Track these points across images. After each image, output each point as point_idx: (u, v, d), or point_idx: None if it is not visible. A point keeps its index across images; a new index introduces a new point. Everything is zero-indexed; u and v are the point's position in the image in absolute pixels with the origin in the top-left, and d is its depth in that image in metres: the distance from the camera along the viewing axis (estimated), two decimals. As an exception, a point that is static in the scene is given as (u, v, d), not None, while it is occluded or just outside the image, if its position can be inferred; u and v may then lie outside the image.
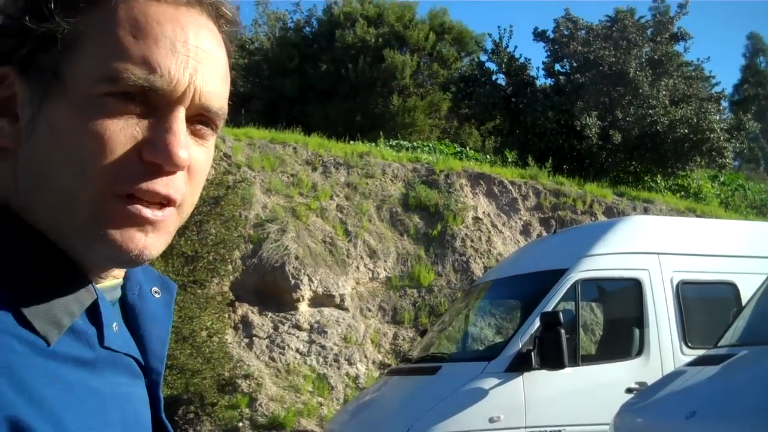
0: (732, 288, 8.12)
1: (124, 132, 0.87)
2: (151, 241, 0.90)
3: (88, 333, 0.91)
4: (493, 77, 22.61)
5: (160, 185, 0.89)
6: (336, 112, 23.14)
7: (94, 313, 0.93)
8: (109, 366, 0.93)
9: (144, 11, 0.89)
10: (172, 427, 1.05)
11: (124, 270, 1.00)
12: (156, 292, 1.06)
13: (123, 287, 1.01)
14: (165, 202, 0.91)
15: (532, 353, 7.18)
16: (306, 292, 11.44)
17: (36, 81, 0.87)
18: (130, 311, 1.01)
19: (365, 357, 11.25)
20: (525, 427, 7.09)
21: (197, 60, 0.91)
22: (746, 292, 7.50)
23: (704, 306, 8.25)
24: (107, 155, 0.86)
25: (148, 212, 0.89)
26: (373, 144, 17.58)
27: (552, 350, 7.08)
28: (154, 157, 0.88)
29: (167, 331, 1.06)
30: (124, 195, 0.88)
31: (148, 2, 0.89)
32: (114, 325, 0.96)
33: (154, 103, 0.89)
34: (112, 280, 0.98)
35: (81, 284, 0.91)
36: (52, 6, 0.87)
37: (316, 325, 11.29)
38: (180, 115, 0.90)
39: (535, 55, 62.01)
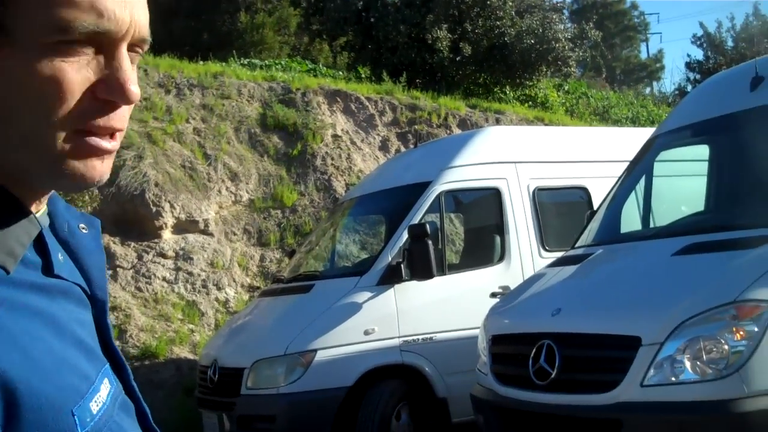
0: (584, 192, 8.59)
1: (79, 74, 0.92)
2: (106, 167, 0.98)
3: (36, 263, 0.96)
4: (344, -8, 22.39)
5: (115, 120, 0.96)
6: (181, 31, 22.34)
7: (38, 244, 0.97)
8: (62, 294, 0.98)
9: None
10: None
11: (47, 199, 1.04)
12: (83, 228, 1.10)
13: (52, 226, 1.05)
14: (116, 132, 0.98)
15: (402, 265, 7.41)
16: (168, 219, 11.23)
17: None
18: (65, 247, 1.05)
19: (233, 281, 11.24)
20: (398, 337, 7.36)
21: None
22: (597, 196, 7.96)
23: (559, 210, 8.69)
24: (66, 98, 0.91)
25: (105, 143, 0.96)
26: (225, 63, 17.18)
27: (420, 261, 7.34)
28: (110, 95, 0.94)
29: (103, 262, 1.12)
30: (83, 131, 0.94)
31: None
32: (59, 255, 1.01)
33: (101, 44, 0.93)
34: (41, 209, 1.03)
35: (24, 216, 0.95)
36: None
37: (181, 252, 11.14)
38: (125, 52, 0.96)
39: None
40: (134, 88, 0.95)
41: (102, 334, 1.06)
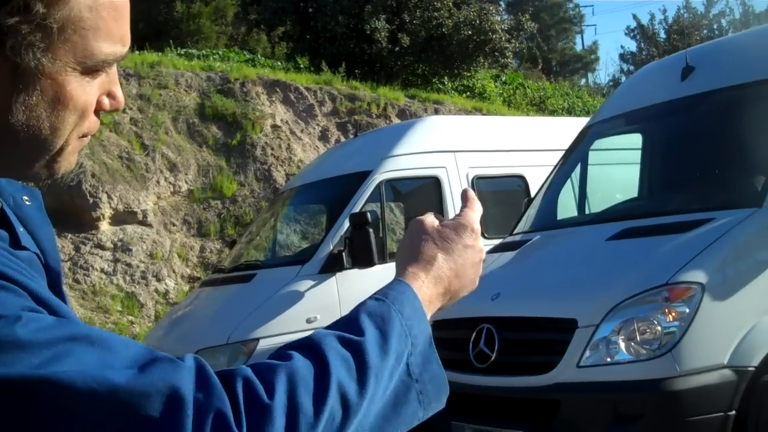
0: (521, 180, 8.74)
1: (96, 92, 1.03)
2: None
3: (4, 237, 1.00)
4: (281, -19, 22.29)
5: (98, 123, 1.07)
6: (117, 20, 21.97)
7: (2, 219, 1.02)
8: (28, 264, 1.01)
9: None
10: None
11: None
12: (26, 200, 1.13)
13: None
14: None
15: (343, 253, 7.44)
16: (106, 210, 11.08)
17: (18, 57, 0.95)
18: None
19: (173, 272, 11.16)
20: (341, 324, 7.41)
21: None
22: (534, 184, 8.11)
23: (497, 198, 8.82)
24: (89, 112, 1.02)
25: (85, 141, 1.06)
26: (162, 53, 16.97)
27: (362, 249, 7.37)
28: (114, 107, 1.06)
29: (52, 232, 1.15)
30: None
31: None
32: (20, 227, 1.05)
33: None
34: None
35: None
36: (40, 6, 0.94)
37: (119, 243, 11.02)
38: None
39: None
40: (122, 98, 1.07)
41: None
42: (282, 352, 1.02)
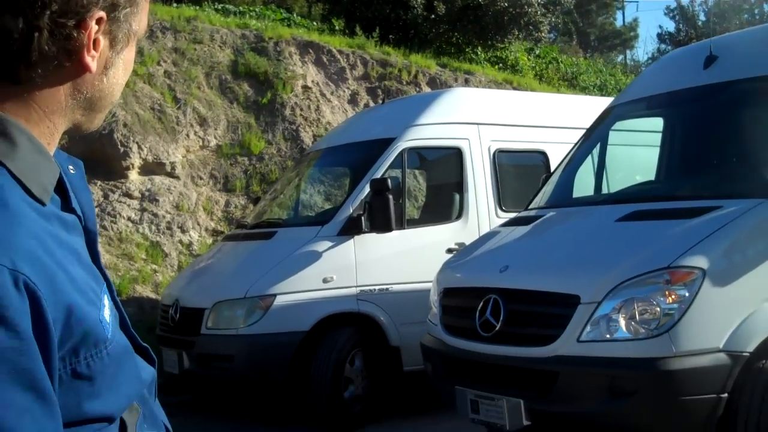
0: (542, 156, 8.86)
1: None
2: None
3: (56, 199, 1.14)
4: (321, -59, 22.27)
5: None
6: (156, -28, 22.07)
7: (57, 183, 1.15)
8: (73, 227, 1.16)
9: None
10: None
11: None
12: (71, 168, 1.27)
13: None
14: None
15: (363, 217, 7.62)
16: (136, 160, 11.32)
17: (116, 29, 1.16)
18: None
19: (198, 224, 11.40)
20: (356, 286, 7.61)
21: None
22: (554, 160, 8.23)
23: (517, 172, 8.93)
24: None
25: None
26: (199, 8, 17.09)
27: (380, 214, 7.55)
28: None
29: (91, 199, 1.29)
30: None
31: None
32: (71, 192, 1.19)
33: None
34: None
35: (50, 161, 1.14)
36: None
37: (147, 193, 11.26)
38: None
39: None
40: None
41: (94, 260, 1.23)
42: None
